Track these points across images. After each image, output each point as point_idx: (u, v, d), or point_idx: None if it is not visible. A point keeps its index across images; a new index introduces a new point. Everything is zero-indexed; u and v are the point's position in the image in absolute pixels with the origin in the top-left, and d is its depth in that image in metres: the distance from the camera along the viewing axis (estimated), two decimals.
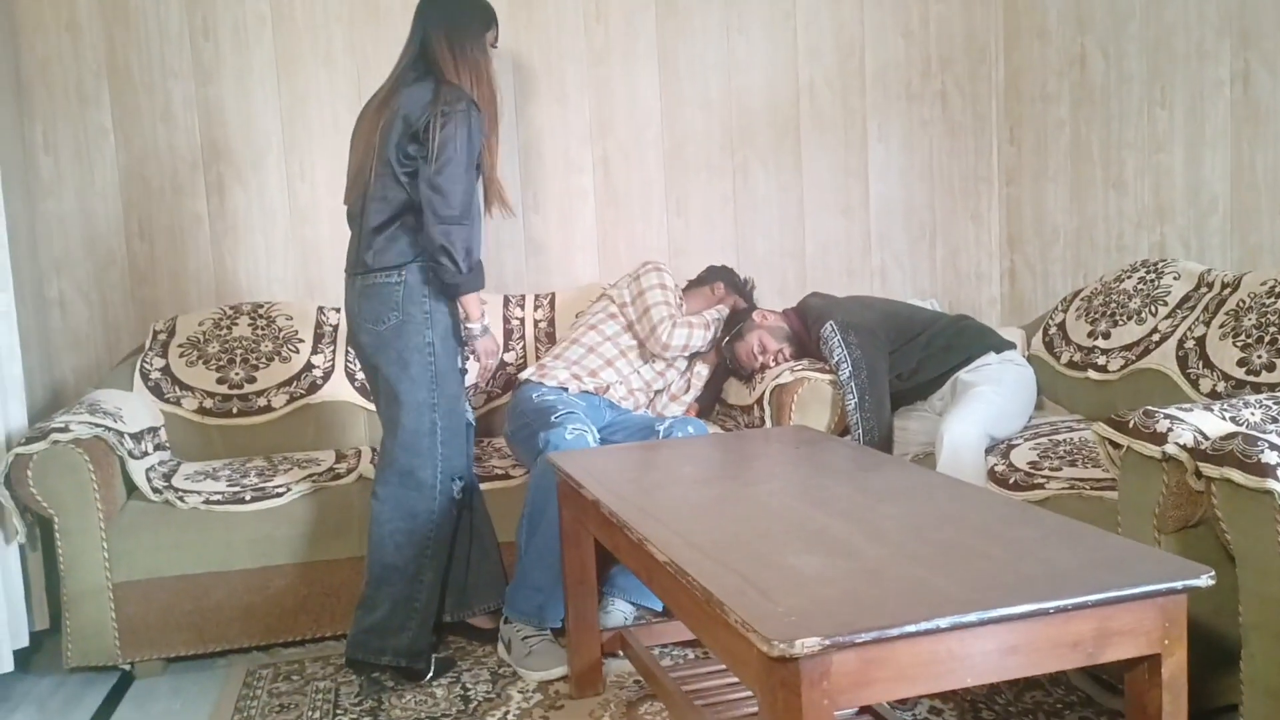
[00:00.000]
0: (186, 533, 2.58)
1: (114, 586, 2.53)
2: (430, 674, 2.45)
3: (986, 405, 2.67)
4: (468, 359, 2.57)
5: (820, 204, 3.79)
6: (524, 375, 2.94)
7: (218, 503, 2.63)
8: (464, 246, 2.34)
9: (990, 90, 3.87)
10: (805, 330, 3.03)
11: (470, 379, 2.66)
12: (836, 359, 2.84)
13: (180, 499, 2.63)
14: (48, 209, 3.23)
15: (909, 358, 2.91)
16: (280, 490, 2.68)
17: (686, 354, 3.00)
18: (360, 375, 3.15)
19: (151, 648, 2.57)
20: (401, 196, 2.38)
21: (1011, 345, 2.99)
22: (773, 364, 3.01)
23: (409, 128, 2.34)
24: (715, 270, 3.28)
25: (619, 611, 2.60)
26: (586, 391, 2.86)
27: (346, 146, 3.33)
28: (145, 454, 2.76)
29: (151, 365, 3.07)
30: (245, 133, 3.34)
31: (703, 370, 3.10)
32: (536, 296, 3.39)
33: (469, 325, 2.51)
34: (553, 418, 2.58)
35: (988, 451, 2.59)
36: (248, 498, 2.65)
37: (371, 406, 3.09)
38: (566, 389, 2.82)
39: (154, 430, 2.89)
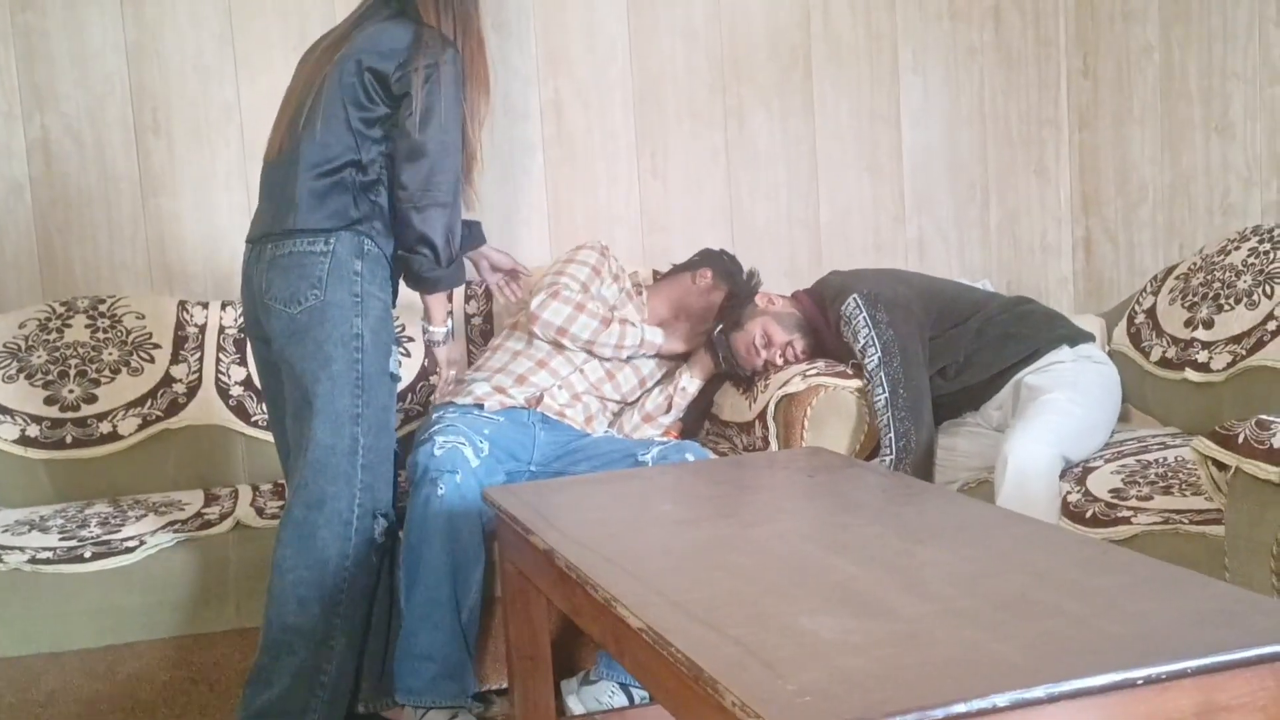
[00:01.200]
0: (6, 602, 2.56)
1: None
2: None
3: (1061, 418, 2.69)
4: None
5: (839, 158, 3.81)
6: (435, 397, 2.98)
7: (47, 562, 2.61)
8: (447, 234, 2.51)
9: (1056, 6, 3.91)
10: (823, 316, 3.04)
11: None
12: (863, 341, 2.86)
13: None
14: None
15: (955, 347, 2.93)
16: (131, 544, 2.67)
17: (568, 343, 2.99)
18: (237, 390, 3.14)
19: None
20: (347, 147, 2.46)
21: (1089, 337, 3.02)
22: (779, 361, 3.02)
23: (374, 68, 2.44)
24: (705, 254, 3.30)
25: (604, 695, 2.63)
26: (513, 407, 2.87)
27: (213, 91, 3.37)
28: None
29: None
30: (79, 72, 3.32)
31: (689, 385, 3.09)
32: (469, 285, 3.38)
33: (431, 329, 2.72)
34: (421, 434, 2.67)
35: (1060, 476, 2.62)
36: (87, 554, 2.63)
37: (252, 431, 3.11)
38: (482, 405, 2.85)
39: None
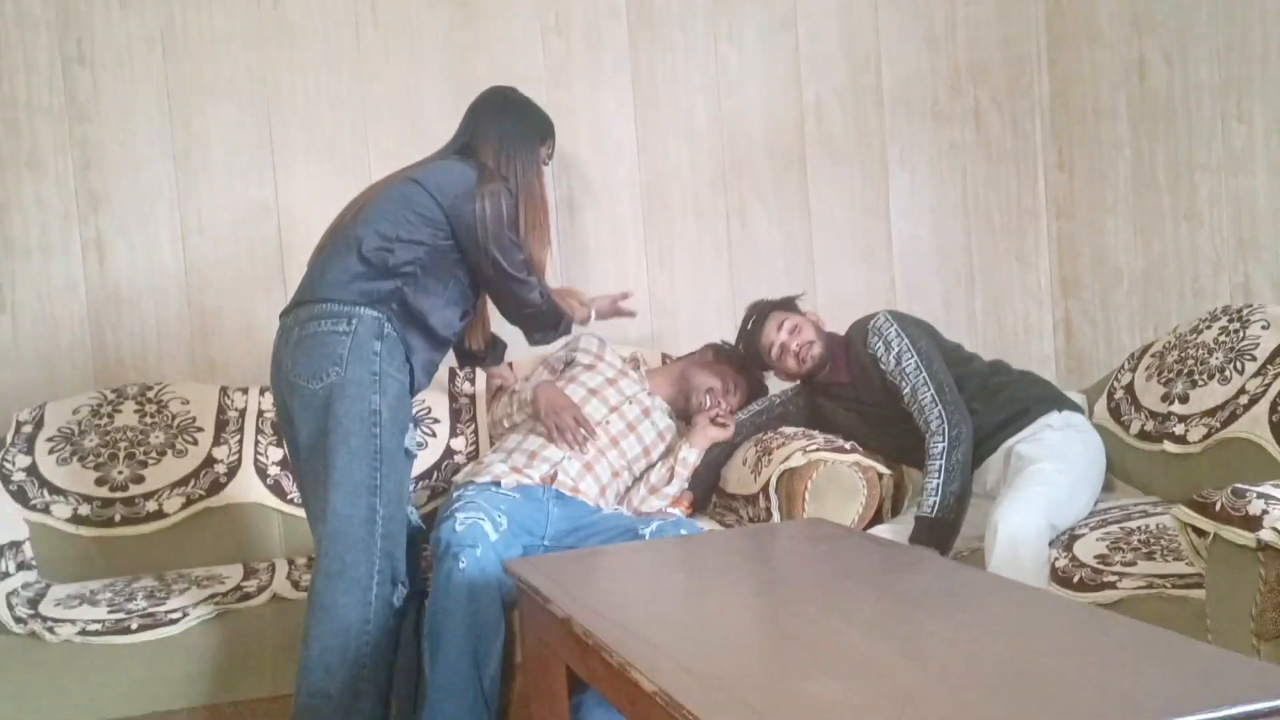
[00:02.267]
0: (58, 673, 2.54)
1: None
2: None
3: (1049, 488, 2.68)
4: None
5: (834, 249, 3.84)
6: (458, 477, 2.99)
7: (96, 634, 2.60)
8: (539, 299, 2.69)
9: (1033, 106, 3.96)
10: (845, 353, 3.10)
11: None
12: (896, 350, 2.92)
13: (50, 630, 2.60)
14: None
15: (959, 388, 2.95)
16: (175, 616, 2.66)
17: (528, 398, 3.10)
18: (274, 470, 3.14)
19: None
20: (386, 237, 2.52)
21: (1077, 407, 3.03)
22: (794, 347, 3.08)
23: (438, 185, 2.56)
24: (706, 345, 3.40)
25: None
26: (526, 485, 2.87)
27: (252, 193, 3.42)
28: (6, 575, 2.73)
29: (14, 464, 3.05)
30: (130, 178, 3.37)
31: (689, 455, 3.09)
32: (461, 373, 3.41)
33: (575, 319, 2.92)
34: (444, 512, 2.68)
35: (1049, 544, 2.61)
36: (134, 626, 2.62)
37: (288, 508, 3.11)
38: (499, 483, 2.84)
39: (16, 545, 2.86)
